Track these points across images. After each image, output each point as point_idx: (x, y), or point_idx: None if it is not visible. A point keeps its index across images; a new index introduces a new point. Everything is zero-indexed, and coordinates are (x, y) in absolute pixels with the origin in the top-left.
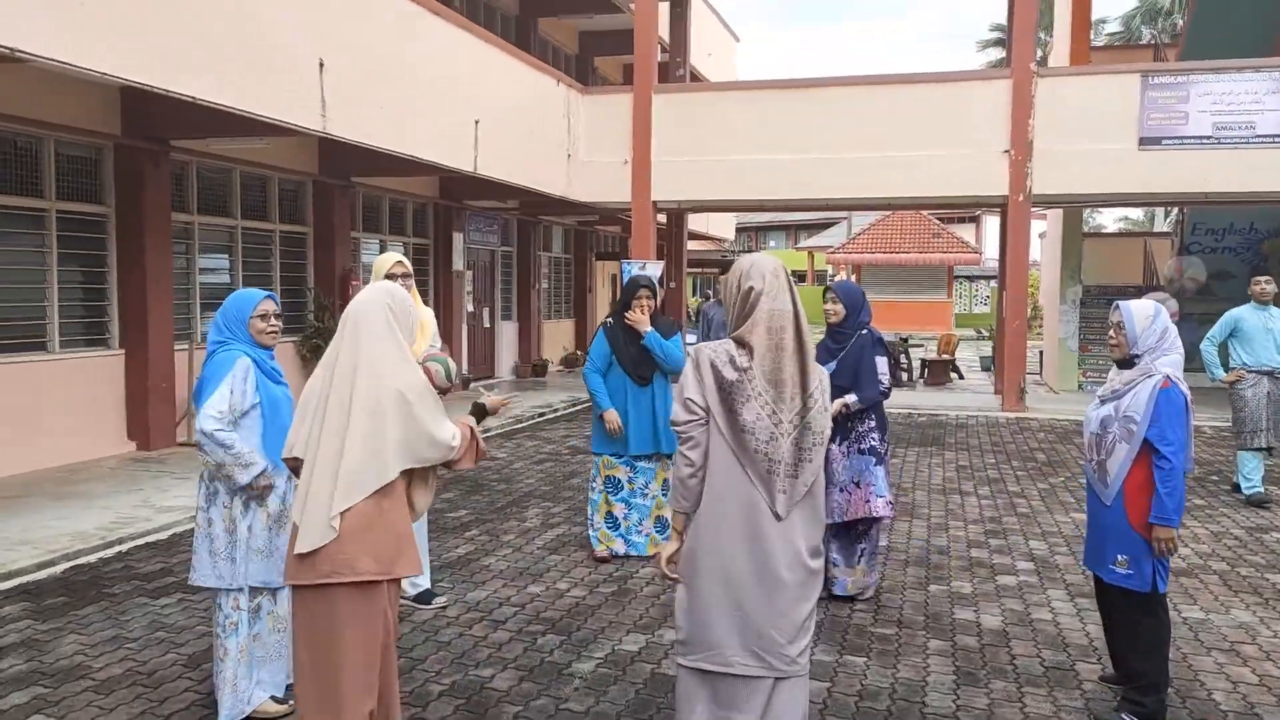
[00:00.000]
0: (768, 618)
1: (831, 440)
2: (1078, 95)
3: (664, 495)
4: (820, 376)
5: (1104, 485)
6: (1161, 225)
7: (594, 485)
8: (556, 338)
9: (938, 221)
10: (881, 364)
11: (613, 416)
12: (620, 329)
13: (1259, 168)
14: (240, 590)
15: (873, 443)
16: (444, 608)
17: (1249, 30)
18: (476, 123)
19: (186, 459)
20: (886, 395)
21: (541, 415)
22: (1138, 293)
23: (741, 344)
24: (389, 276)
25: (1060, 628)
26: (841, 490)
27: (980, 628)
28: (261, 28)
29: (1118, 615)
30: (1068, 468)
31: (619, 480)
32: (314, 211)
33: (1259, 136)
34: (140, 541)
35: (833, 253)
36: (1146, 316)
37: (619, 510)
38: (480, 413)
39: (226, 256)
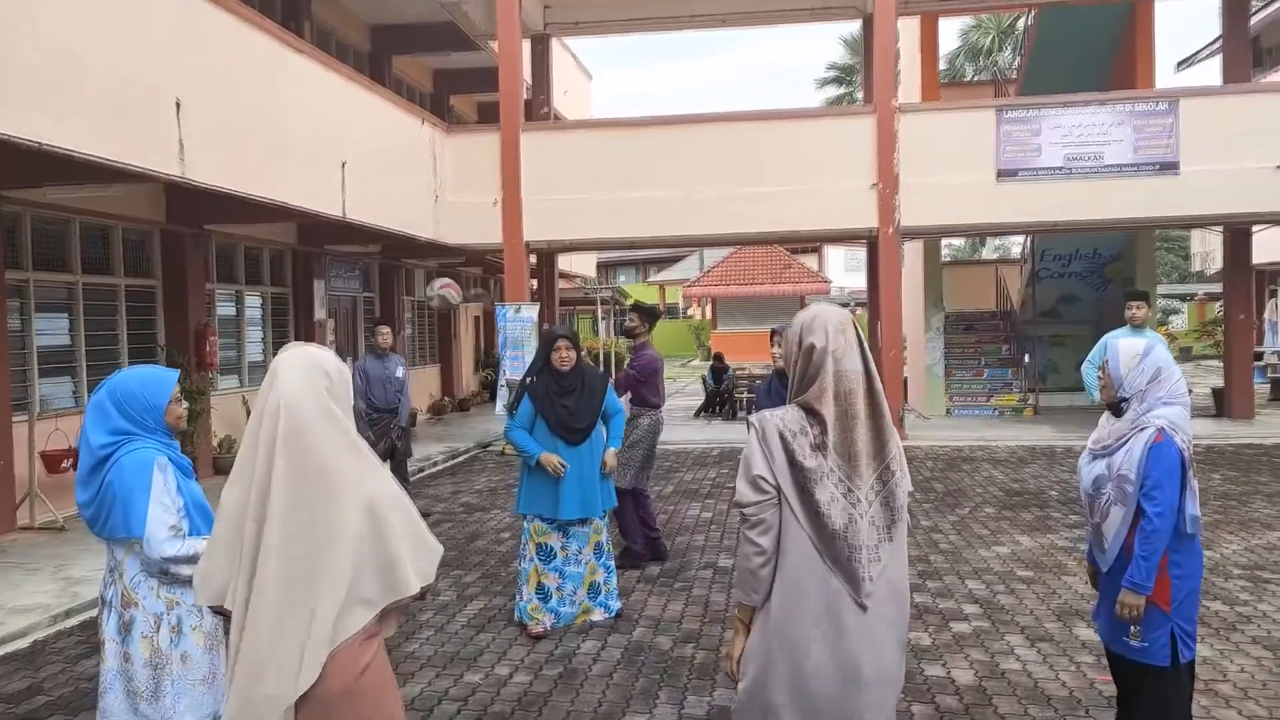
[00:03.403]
0: None
1: None
2: (937, 130)
3: (596, 559)
4: (898, 444)
5: (1100, 550)
6: (989, 252)
7: (524, 554)
8: (423, 385)
9: (787, 253)
10: None
11: (550, 458)
12: (545, 387)
13: (1108, 196)
14: None
15: None
16: None
17: (1083, 68)
18: (343, 165)
19: (31, 547)
20: None
21: (421, 470)
22: (993, 316)
23: (811, 413)
24: None
25: (1034, 678)
26: None
27: (956, 685)
28: (109, 64)
29: (1131, 686)
30: (969, 497)
31: (551, 548)
32: (163, 263)
33: (1106, 166)
34: None
35: (689, 286)
36: (1133, 355)
37: (551, 580)
38: None
39: (67, 316)
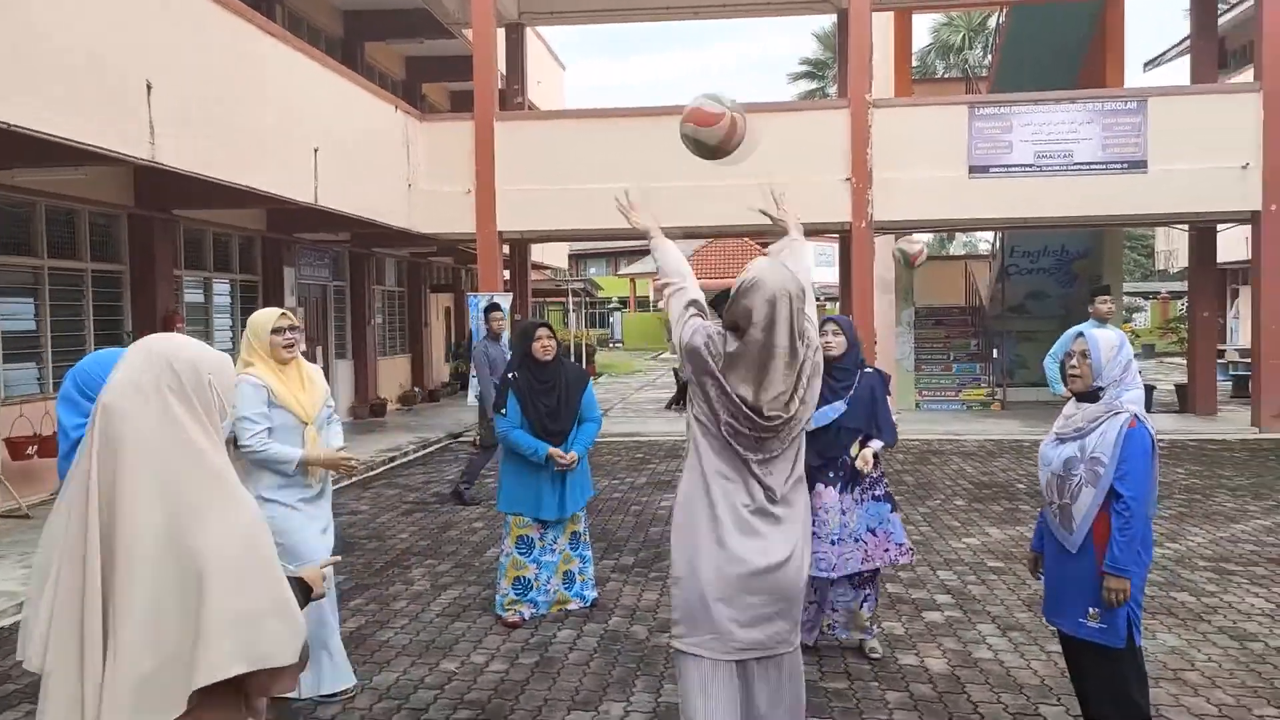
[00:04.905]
0: None
1: (844, 490)
2: (910, 126)
3: (572, 549)
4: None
5: (1068, 532)
6: (956, 248)
7: (504, 548)
8: (393, 375)
9: (759, 247)
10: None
11: (556, 452)
12: (525, 383)
13: (1077, 193)
14: None
15: (886, 488)
16: (351, 697)
17: (1054, 66)
18: (315, 151)
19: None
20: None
21: (392, 460)
22: (962, 312)
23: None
24: (275, 331)
25: (1006, 666)
26: (856, 540)
27: (930, 673)
28: (80, 44)
29: (1089, 670)
30: (939, 490)
31: (530, 539)
32: (130, 248)
33: (1076, 164)
34: None
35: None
36: (1111, 346)
37: (530, 572)
38: (305, 594)
39: (32, 300)
